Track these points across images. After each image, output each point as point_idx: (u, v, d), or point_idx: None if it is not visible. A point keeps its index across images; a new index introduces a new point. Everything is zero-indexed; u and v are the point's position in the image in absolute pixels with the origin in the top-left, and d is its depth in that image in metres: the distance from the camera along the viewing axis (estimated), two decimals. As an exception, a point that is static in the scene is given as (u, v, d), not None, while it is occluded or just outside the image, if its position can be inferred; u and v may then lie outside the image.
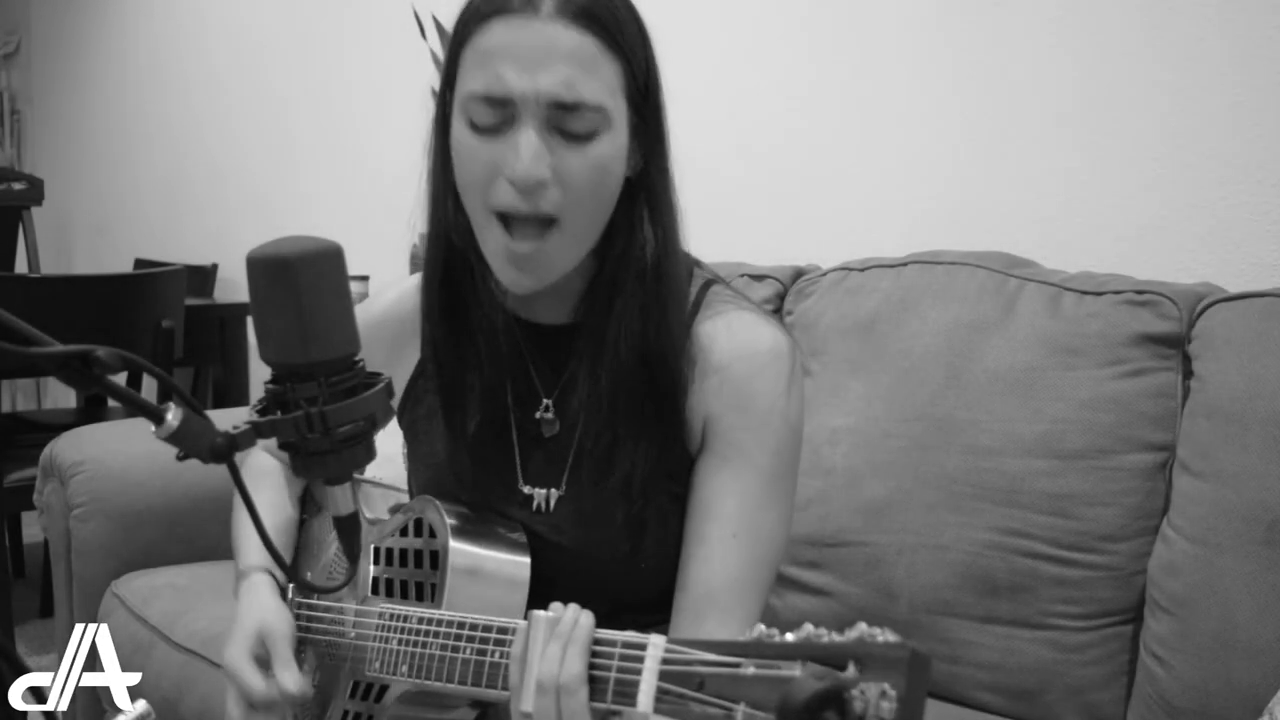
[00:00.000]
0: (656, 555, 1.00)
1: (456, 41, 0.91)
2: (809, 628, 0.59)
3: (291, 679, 0.96)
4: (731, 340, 0.96)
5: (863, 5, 1.82)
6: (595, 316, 0.96)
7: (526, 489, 1.03)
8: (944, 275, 1.45)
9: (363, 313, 1.09)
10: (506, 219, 0.89)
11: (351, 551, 0.79)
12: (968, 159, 1.69)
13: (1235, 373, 1.18)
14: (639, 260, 0.94)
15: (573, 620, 0.76)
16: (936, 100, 1.73)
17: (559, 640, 0.75)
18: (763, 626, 0.62)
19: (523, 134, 0.86)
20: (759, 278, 1.66)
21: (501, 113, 0.87)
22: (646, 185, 0.94)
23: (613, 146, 0.90)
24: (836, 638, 0.57)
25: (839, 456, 1.42)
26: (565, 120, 0.87)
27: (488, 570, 0.96)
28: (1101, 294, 1.32)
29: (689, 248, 1.02)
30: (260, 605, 1.03)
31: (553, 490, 1.02)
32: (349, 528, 0.78)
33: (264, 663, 0.99)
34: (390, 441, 1.91)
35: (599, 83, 0.87)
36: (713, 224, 2.04)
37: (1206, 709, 1.14)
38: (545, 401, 1.02)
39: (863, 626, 0.57)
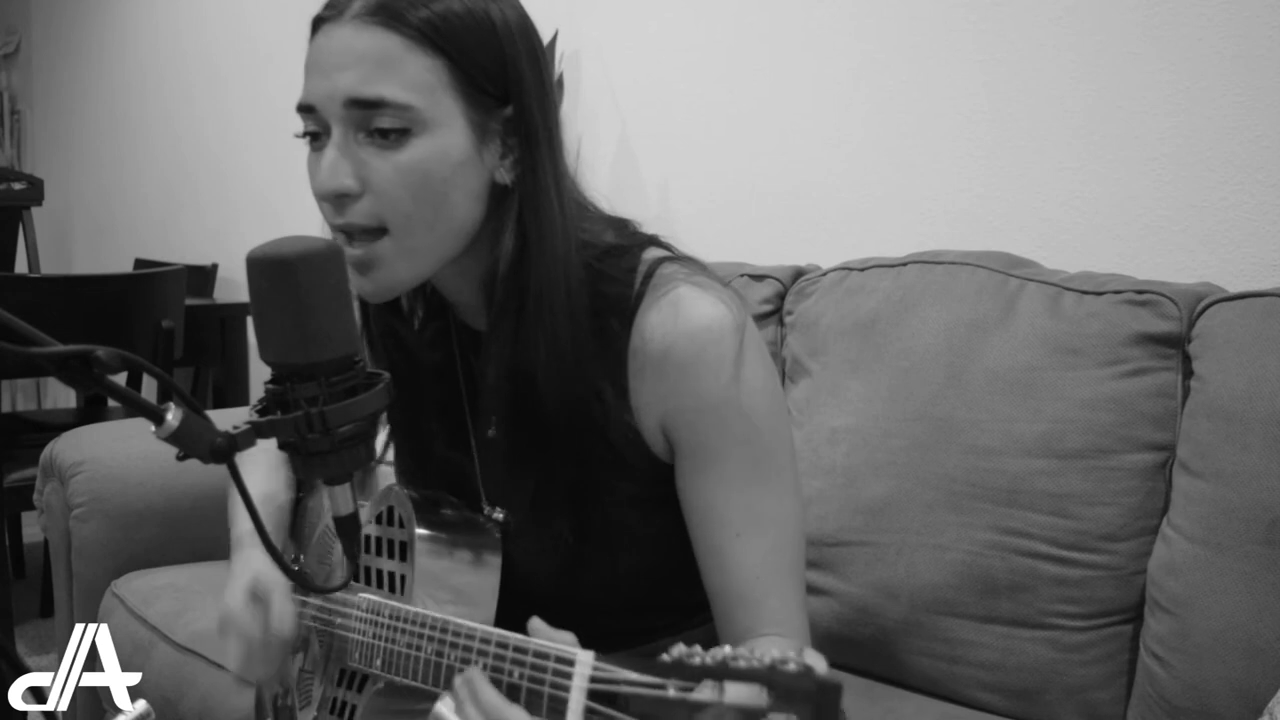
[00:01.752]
0: (609, 566, 0.98)
1: None
2: (726, 650, 0.59)
3: (283, 622, 0.99)
4: (665, 328, 0.91)
5: (862, 6, 1.82)
6: (498, 324, 0.93)
7: (487, 509, 1.02)
8: (944, 275, 1.45)
9: None
10: (346, 230, 0.88)
11: (351, 551, 0.79)
12: (968, 159, 1.69)
13: (1235, 373, 1.18)
14: (508, 272, 0.90)
15: (464, 682, 0.77)
16: (937, 101, 1.73)
17: (467, 703, 0.76)
18: (683, 646, 0.61)
19: (329, 142, 0.86)
20: (759, 278, 1.66)
21: (314, 122, 0.87)
22: (520, 192, 0.90)
23: (431, 148, 0.86)
24: (753, 663, 0.56)
25: (839, 456, 1.42)
26: (370, 121, 0.85)
27: (456, 561, 0.95)
28: (1101, 294, 1.32)
29: (663, 232, 0.99)
30: (256, 561, 1.04)
31: (506, 513, 1.01)
32: (349, 528, 0.78)
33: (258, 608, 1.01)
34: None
35: (402, 80, 0.84)
36: (713, 224, 2.05)
37: (1206, 709, 1.14)
38: (494, 417, 0.99)
39: (774, 653, 0.56)
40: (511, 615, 0.91)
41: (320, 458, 0.72)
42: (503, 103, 0.89)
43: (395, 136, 0.85)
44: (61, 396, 4.51)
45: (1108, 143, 1.53)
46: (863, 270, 1.54)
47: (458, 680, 0.78)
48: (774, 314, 1.63)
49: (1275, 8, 1.37)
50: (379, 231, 0.87)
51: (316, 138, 0.88)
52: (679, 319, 0.90)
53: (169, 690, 1.56)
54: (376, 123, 0.84)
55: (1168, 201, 1.47)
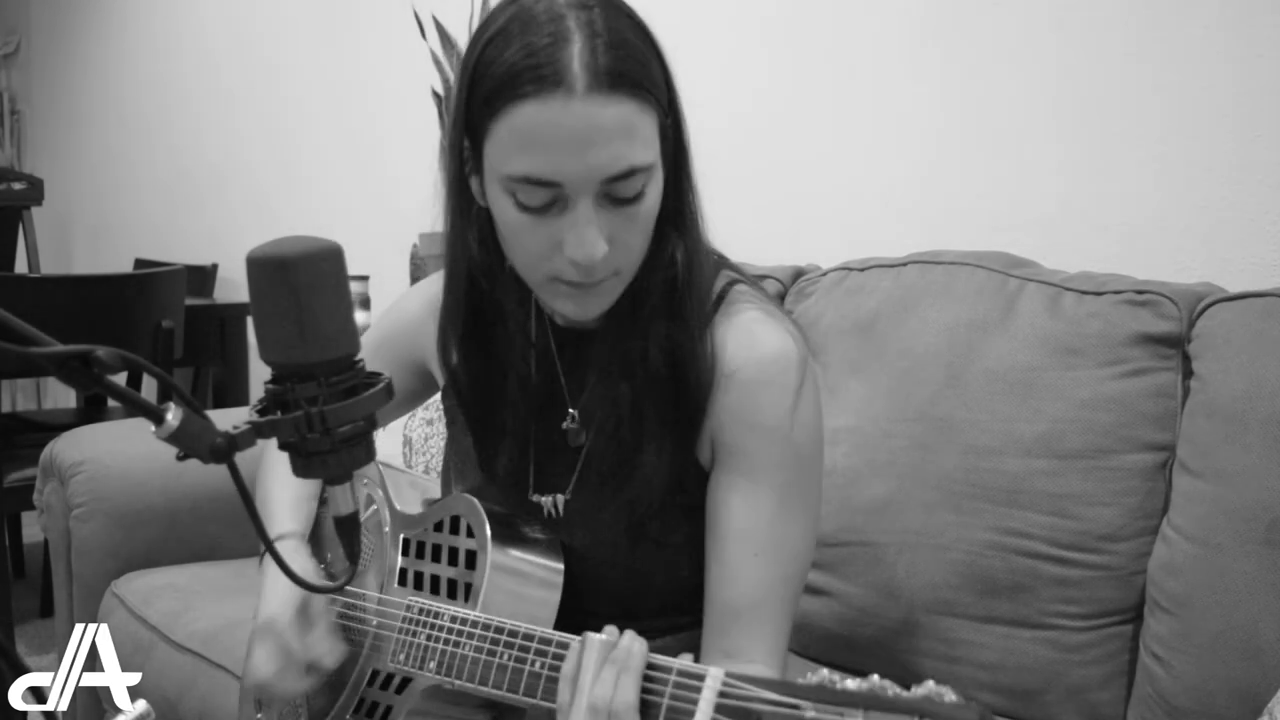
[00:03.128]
0: (662, 563, 1.00)
1: (483, 110, 0.86)
2: (875, 678, 0.61)
3: (332, 652, 0.98)
4: (738, 345, 0.95)
5: (862, 6, 1.82)
6: (619, 324, 0.96)
7: (535, 498, 1.03)
8: (944, 275, 1.45)
9: (429, 285, 1.11)
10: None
11: (351, 551, 0.79)
12: (968, 159, 1.69)
13: (1235, 373, 1.18)
14: (667, 271, 0.94)
15: (627, 648, 0.77)
16: (937, 100, 1.73)
17: (613, 666, 0.76)
18: (825, 671, 0.63)
19: (579, 214, 0.85)
20: (759, 278, 1.66)
21: (550, 192, 0.85)
22: (673, 198, 0.93)
23: (655, 193, 0.89)
24: (904, 693, 0.59)
25: (839, 456, 1.42)
26: (617, 188, 0.86)
27: (524, 574, 0.96)
28: (1101, 294, 1.32)
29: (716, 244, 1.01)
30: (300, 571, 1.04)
31: (559, 496, 1.02)
32: (349, 528, 0.78)
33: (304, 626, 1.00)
34: (391, 441, 1.91)
35: (643, 142, 0.86)
36: (713, 224, 2.04)
37: (1206, 709, 1.14)
38: (571, 412, 1.02)
39: (930, 684, 0.59)
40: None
41: (320, 458, 0.72)
42: (666, 124, 0.91)
43: (636, 197, 0.87)
44: (61, 396, 4.51)
45: (1108, 143, 1.53)
46: (863, 270, 1.54)
47: (624, 641, 0.78)
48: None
49: (1275, 8, 1.37)
50: (612, 274, 0.90)
51: (543, 207, 0.86)
52: (753, 343, 0.95)
53: (169, 690, 1.56)
54: (624, 191, 0.86)
55: (1168, 201, 1.47)
